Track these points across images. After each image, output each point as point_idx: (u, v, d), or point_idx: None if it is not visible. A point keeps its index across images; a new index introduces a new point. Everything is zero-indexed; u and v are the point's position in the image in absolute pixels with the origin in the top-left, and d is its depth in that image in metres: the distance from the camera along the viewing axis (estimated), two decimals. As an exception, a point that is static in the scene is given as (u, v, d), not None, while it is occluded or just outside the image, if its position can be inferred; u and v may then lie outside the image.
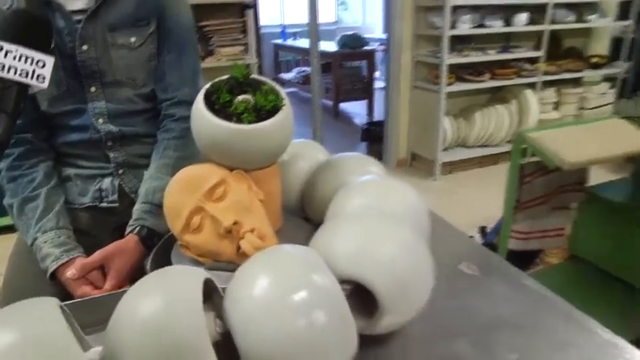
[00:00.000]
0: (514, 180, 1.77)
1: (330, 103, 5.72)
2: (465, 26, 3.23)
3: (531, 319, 0.71)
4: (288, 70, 7.54)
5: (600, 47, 4.23)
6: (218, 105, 0.72)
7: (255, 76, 0.79)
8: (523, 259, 2.23)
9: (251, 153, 0.72)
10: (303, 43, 6.88)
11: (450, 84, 3.31)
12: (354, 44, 5.40)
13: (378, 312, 0.57)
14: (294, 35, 7.27)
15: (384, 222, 0.63)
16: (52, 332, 0.43)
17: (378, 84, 5.84)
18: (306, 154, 0.95)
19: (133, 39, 0.92)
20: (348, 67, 5.92)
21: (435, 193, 3.33)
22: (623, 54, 4.08)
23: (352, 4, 9.34)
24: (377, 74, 6.27)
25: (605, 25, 3.85)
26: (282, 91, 0.77)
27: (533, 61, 3.68)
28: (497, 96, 3.79)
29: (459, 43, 3.55)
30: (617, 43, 4.21)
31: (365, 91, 5.61)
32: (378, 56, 6.32)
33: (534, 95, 3.60)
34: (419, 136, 3.65)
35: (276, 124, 0.71)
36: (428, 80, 3.43)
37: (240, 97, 0.74)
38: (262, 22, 8.13)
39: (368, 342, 0.60)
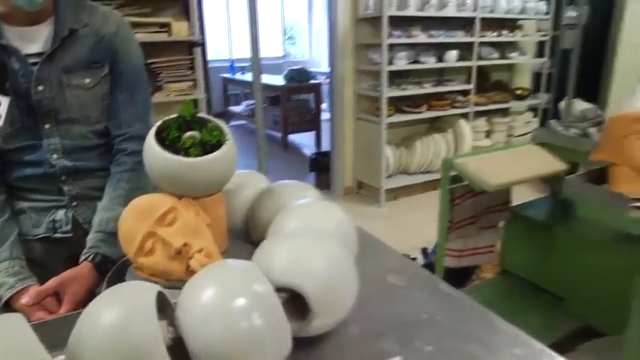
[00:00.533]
0: (445, 203, 1.94)
1: (279, 135, 5.86)
2: (402, 62, 3.49)
3: (445, 318, 0.83)
4: (238, 103, 7.66)
5: (523, 81, 4.65)
6: (168, 141, 0.81)
7: (201, 114, 0.88)
8: (461, 276, 2.40)
9: (198, 183, 0.81)
10: (251, 76, 7.05)
11: (389, 115, 3.53)
12: (300, 78, 5.61)
13: (310, 315, 0.67)
14: (242, 69, 7.43)
15: (314, 238, 0.73)
16: (23, 342, 0.50)
17: (325, 116, 6.05)
18: (250, 183, 1.05)
19: (87, 80, 0.99)
20: (296, 99, 6.12)
21: (381, 219, 3.49)
22: (543, 87, 4.51)
23: (299, 39, 9.66)
24: (324, 106, 6.50)
25: (524, 61, 4.26)
26: (226, 128, 0.87)
27: (465, 93, 3.99)
28: (435, 125, 4.06)
29: (398, 77, 3.81)
30: (537, 77, 4.65)
31: (313, 123, 5.80)
32: (325, 89, 6.57)
33: (467, 124, 3.89)
34: (363, 165, 3.83)
35: (220, 157, 0.81)
36: (369, 112, 3.64)
37: (188, 134, 0.83)
38: (211, 56, 8.26)
39: (304, 343, 0.69)
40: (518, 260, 2.20)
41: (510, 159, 1.95)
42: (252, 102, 7.17)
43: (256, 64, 2.74)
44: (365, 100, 3.73)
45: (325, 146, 5.38)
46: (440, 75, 4.10)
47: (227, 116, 7.64)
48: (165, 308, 0.64)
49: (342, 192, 3.96)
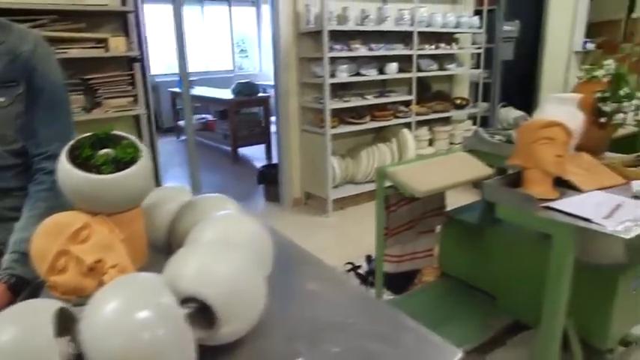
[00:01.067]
0: (381, 210, 2.01)
1: (229, 148, 5.84)
2: (343, 75, 3.59)
3: (358, 321, 0.88)
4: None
5: (462, 91, 4.87)
6: (80, 159, 0.83)
7: (117, 132, 0.90)
8: (404, 280, 2.48)
9: (112, 199, 0.82)
10: (200, 90, 7.00)
11: (333, 127, 3.62)
12: (248, 91, 5.63)
13: (217, 323, 0.70)
14: (191, 83, 7.35)
15: (221, 249, 0.77)
16: None
17: (275, 128, 6.09)
18: (174, 197, 1.07)
19: (1, 99, 0.99)
20: (246, 113, 6.13)
21: (328, 229, 3.54)
22: (481, 96, 4.74)
23: (251, 52, 9.70)
24: (273, 119, 6.54)
25: (462, 72, 4.47)
26: (142, 145, 0.89)
27: (407, 103, 4.14)
28: (380, 135, 4.18)
29: (341, 89, 3.91)
30: (476, 86, 4.89)
31: (262, 136, 5.83)
32: (273, 102, 6.62)
33: (410, 134, 4.03)
34: (310, 176, 3.88)
35: (133, 173, 0.83)
36: (314, 124, 3.71)
37: (102, 152, 0.85)
38: (161, 70, 8.15)
39: (215, 351, 0.72)
40: (454, 262, 2.31)
41: (441, 166, 2.05)
42: (202, 116, 7.13)
43: (185, 77, 2.78)
44: (309, 113, 3.80)
45: (276, 159, 5.41)
46: (383, 86, 4.24)
47: (177, 131, 7.54)
48: (70, 325, 0.65)
49: (290, 203, 3.99)
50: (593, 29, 5.16)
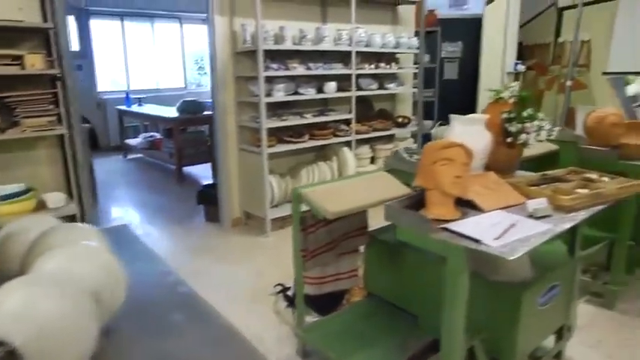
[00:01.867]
0: (297, 232, 1.98)
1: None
2: (280, 94, 3.57)
3: (208, 350, 0.83)
4: (136, 136, 7.38)
5: (405, 109, 4.96)
6: None
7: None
8: (331, 301, 2.44)
9: None
10: (150, 108, 6.85)
11: (271, 146, 3.58)
12: (193, 109, 5.54)
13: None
14: (139, 101, 7.20)
15: (49, 286, 0.71)
16: None
17: (222, 146, 6.01)
18: (31, 227, 1.00)
19: None
20: (192, 131, 6.03)
21: (267, 249, 3.48)
22: (421, 114, 4.83)
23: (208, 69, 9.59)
24: (222, 137, 6.46)
25: (402, 91, 4.55)
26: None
27: (349, 122, 4.17)
28: (322, 154, 4.18)
29: (280, 108, 3.90)
30: (424, 105, 4.98)
31: (208, 154, 5.72)
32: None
33: (351, 152, 4.05)
34: (249, 196, 3.82)
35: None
36: (251, 143, 3.67)
37: None
38: (106, 87, 7.94)
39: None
40: (378, 282, 2.29)
41: (358, 186, 2.04)
42: (150, 134, 6.97)
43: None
44: (247, 132, 3.76)
45: (221, 177, 5.32)
46: (324, 105, 4.26)
47: (124, 149, 7.33)
48: None
49: (230, 224, 3.91)
50: (527, 51, 5.40)
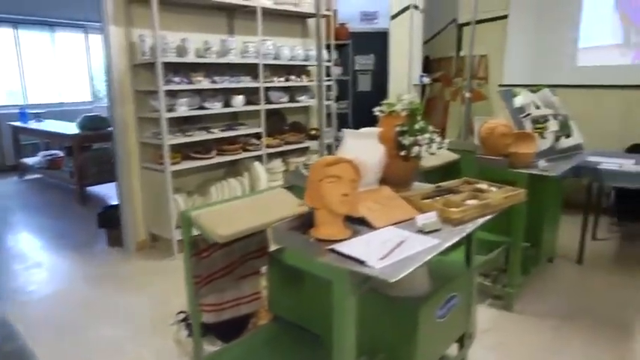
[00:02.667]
0: (187, 258, 1.83)
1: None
2: (183, 109, 3.40)
3: None
4: (34, 154, 6.76)
5: (318, 121, 4.95)
6: None
7: None
8: (236, 327, 2.31)
9: None
10: (49, 124, 6.31)
11: (175, 163, 3.39)
12: (95, 125, 5.17)
13: None
14: (38, 116, 6.61)
15: None
16: None
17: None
18: None
19: None
20: (96, 149, 5.61)
21: (172, 273, 3.27)
22: (336, 125, 4.86)
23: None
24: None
25: (314, 104, 4.53)
26: None
27: (260, 136, 4.07)
28: (233, 169, 4.04)
29: (187, 123, 3.72)
30: (338, 117, 5.01)
31: (114, 173, 5.34)
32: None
33: (262, 166, 3.95)
34: (154, 217, 3.59)
35: None
36: (154, 161, 3.45)
37: None
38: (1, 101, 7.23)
39: None
40: (282, 303, 2.20)
41: (254, 205, 1.94)
42: (50, 152, 6.41)
43: None
44: (149, 149, 3.54)
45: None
46: (234, 119, 4.13)
47: (20, 169, 6.68)
48: None
49: (135, 247, 3.65)
50: (434, 64, 5.64)
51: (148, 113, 3.46)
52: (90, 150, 5.47)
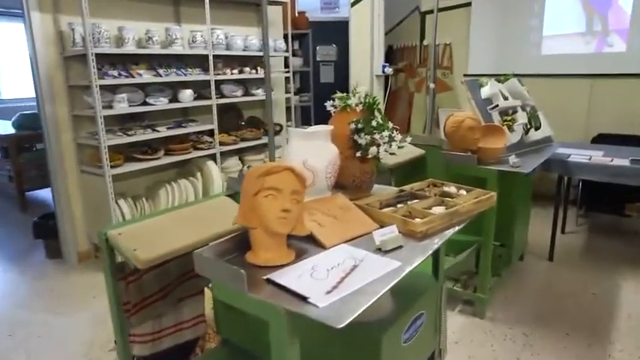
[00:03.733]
0: (110, 283, 1.55)
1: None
2: (123, 105, 3.06)
3: None
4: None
5: (278, 116, 4.67)
6: None
7: None
8: (180, 353, 2.03)
9: None
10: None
11: (117, 165, 3.06)
12: (34, 124, 4.71)
13: None
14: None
15: None
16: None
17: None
18: None
19: None
20: (38, 149, 5.15)
21: (115, 288, 2.95)
22: (296, 120, 4.59)
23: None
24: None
25: (273, 97, 4.24)
26: None
27: (213, 133, 3.76)
28: (186, 169, 3.72)
29: (131, 121, 3.38)
30: (298, 110, 4.74)
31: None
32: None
33: (216, 166, 3.65)
34: (96, 225, 3.25)
35: None
36: (92, 164, 3.11)
37: None
38: None
39: None
40: (230, 326, 1.94)
41: (190, 218, 1.67)
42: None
43: None
44: (88, 150, 3.19)
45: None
46: (184, 116, 3.81)
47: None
48: None
49: (76, 259, 3.31)
50: (398, 54, 5.43)
51: (83, 111, 3.10)
52: (30, 151, 5.02)
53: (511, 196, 2.85)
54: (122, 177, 3.25)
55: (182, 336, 1.91)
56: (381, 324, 1.49)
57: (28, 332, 2.53)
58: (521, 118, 2.74)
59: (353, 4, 4.58)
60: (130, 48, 3.12)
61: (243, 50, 3.88)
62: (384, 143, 1.62)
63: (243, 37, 3.88)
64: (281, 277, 1.11)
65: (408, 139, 1.69)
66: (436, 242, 1.33)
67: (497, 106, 2.62)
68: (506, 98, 2.74)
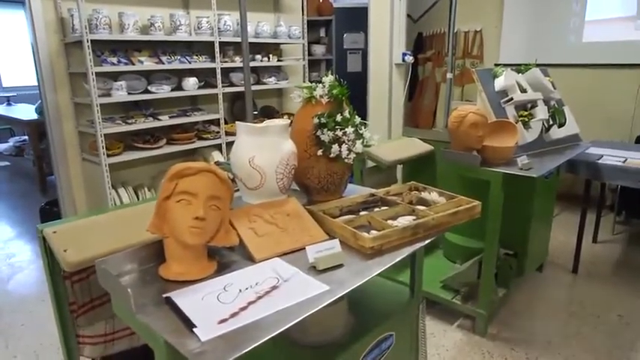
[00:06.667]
0: (51, 282, 1.45)
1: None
2: (121, 93, 2.99)
3: None
4: (5, 140, 6.44)
5: (295, 106, 4.50)
6: None
7: None
8: (140, 356, 1.93)
9: None
10: (21, 109, 5.96)
11: (116, 154, 3.00)
12: (55, 110, 4.79)
13: None
14: (8, 100, 6.28)
15: None
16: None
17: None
18: None
19: None
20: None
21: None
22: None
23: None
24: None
25: (284, 86, 4.08)
26: None
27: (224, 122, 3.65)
28: (190, 159, 3.64)
29: (135, 109, 3.31)
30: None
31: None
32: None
33: (222, 156, 3.54)
34: (95, 214, 3.22)
35: None
36: (91, 152, 3.07)
37: None
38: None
39: None
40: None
41: (140, 216, 1.54)
42: (22, 138, 6.10)
43: None
44: (88, 138, 3.15)
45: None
46: (194, 104, 3.72)
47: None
48: None
49: (77, 247, 3.29)
50: (426, 42, 5.12)
51: (83, 99, 3.06)
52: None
53: (528, 200, 2.57)
54: (122, 166, 3.19)
55: (138, 339, 1.80)
56: (335, 346, 1.31)
57: (14, 319, 2.52)
58: (542, 113, 2.44)
59: (373, -11, 4.32)
60: (130, 34, 3.04)
61: (255, 37, 3.73)
62: (349, 141, 1.42)
63: (254, 24, 3.73)
64: (182, 296, 0.96)
65: (376, 136, 1.48)
66: (387, 261, 1.13)
67: (511, 99, 2.34)
68: (524, 91, 2.44)
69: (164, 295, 0.97)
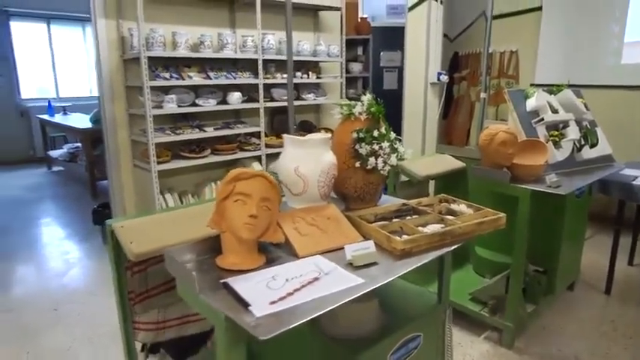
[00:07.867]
0: (116, 272, 1.64)
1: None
2: (172, 105, 3.23)
3: None
4: (60, 147, 6.90)
5: (332, 121, 4.67)
6: None
7: None
8: (191, 342, 2.10)
9: None
10: (76, 118, 6.39)
11: (164, 162, 3.23)
12: (108, 120, 5.13)
13: None
14: (64, 110, 6.73)
15: None
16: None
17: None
18: None
19: None
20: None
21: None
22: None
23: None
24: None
25: (322, 102, 4.25)
26: None
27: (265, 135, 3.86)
28: (232, 169, 3.84)
29: (183, 120, 3.56)
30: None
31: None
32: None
33: (261, 166, 3.73)
34: (143, 217, 3.45)
35: None
36: (142, 159, 3.31)
37: None
38: (29, 94, 7.42)
39: None
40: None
41: (193, 216, 1.72)
42: (75, 145, 6.51)
43: None
44: (139, 146, 3.40)
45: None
46: (236, 117, 3.94)
47: (48, 161, 6.83)
48: None
49: (125, 247, 3.53)
50: (462, 61, 5.21)
51: (138, 110, 3.32)
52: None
53: (559, 219, 2.62)
54: (170, 173, 3.42)
55: (186, 329, 1.97)
56: (362, 342, 1.44)
57: (70, 309, 2.75)
58: (573, 133, 2.50)
59: (410, 9, 4.47)
60: (182, 52, 3.29)
61: (296, 55, 3.93)
62: (385, 155, 1.56)
63: (295, 43, 3.93)
64: (238, 282, 1.11)
65: (410, 150, 1.61)
66: (414, 262, 1.25)
67: (542, 119, 2.42)
68: (555, 111, 2.52)
69: (221, 281, 1.12)
